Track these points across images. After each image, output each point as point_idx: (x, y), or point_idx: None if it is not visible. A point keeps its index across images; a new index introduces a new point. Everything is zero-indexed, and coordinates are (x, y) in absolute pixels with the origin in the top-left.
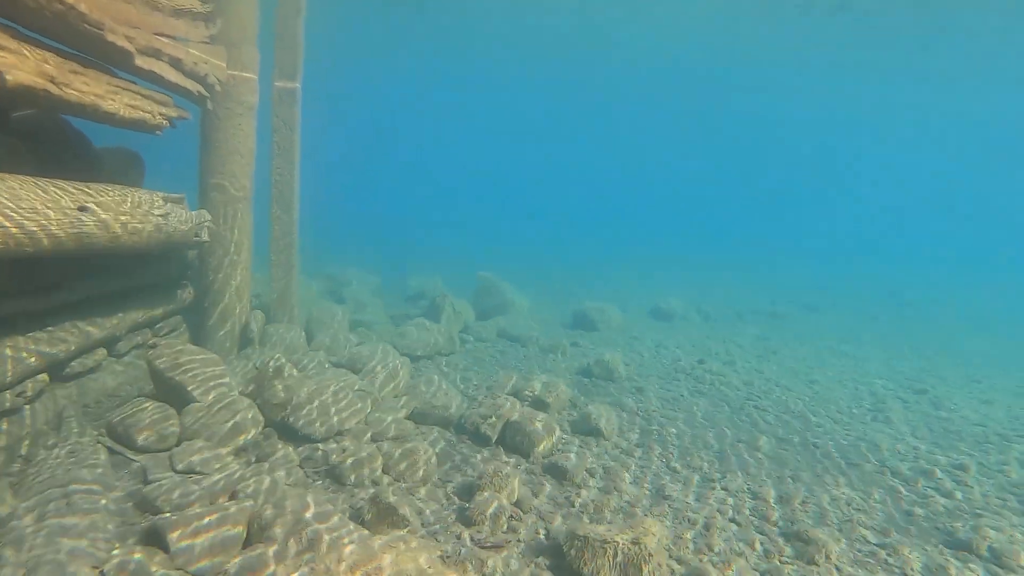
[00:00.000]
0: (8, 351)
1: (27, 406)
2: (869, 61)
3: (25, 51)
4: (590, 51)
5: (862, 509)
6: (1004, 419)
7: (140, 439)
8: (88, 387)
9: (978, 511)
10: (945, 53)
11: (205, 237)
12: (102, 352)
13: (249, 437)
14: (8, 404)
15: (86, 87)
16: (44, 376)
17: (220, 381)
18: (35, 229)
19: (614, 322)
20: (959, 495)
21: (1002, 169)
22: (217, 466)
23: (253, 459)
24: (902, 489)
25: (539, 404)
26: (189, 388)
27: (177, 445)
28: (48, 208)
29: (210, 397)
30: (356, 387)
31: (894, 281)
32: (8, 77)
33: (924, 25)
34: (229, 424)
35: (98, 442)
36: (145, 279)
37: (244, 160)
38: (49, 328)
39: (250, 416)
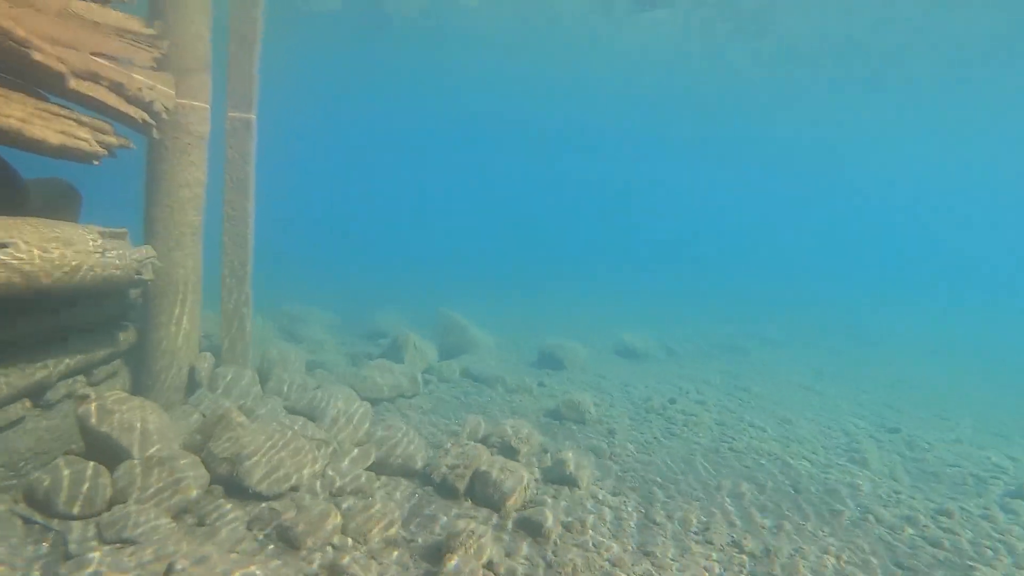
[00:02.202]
0: None
1: None
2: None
3: None
4: (543, 85)
5: (852, 563)
6: (977, 459)
7: (62, 504)
8: (7, 444)
9: (969, 563)
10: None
11: (148, 275)
12: (26, 403)
13: (191, 496)
14: None
15: (7, 110)
16: None
17: (160, 434)
18: None
19: (580, 360)
20: (947, 543)
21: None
22: (152, 534)
23: (194, 522)
24: (889, 538)
25: (508, 451)
26: (123, 443)
27: (108, 509)
28: None
29: (148, 452)
30: (313, 436)
31: (849, 312)
32: None
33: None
34: (167, 483)
35: (11, 511)
36: (79, 320)
37: (193, 192)
38: None
39: (192, 473)
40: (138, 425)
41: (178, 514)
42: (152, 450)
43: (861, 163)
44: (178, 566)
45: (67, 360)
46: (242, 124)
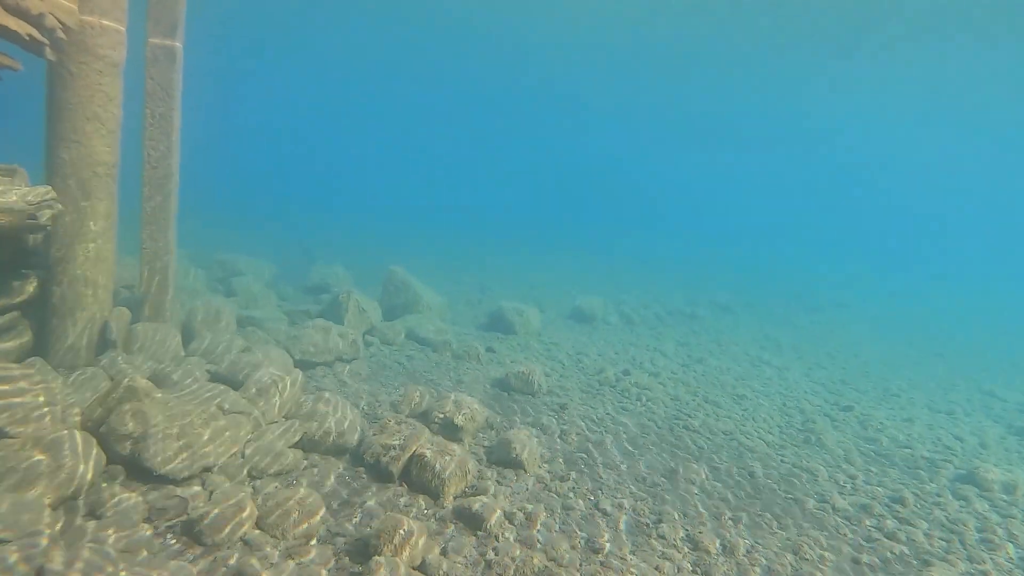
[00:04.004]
0: None
1: None
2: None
3: None
4: (501, 36)
5: (810, 559)
6: (927, 440)
7: None
8: None
9: (925, 557)
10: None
11: (45, 219)
12: None
13: (79, 483)
14: None
15: None
16: None
17: (43, 408)
18: None
19: (533, 325)
20: (903, 536)
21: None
22: (24, 528)
23: (85, 513)
24: (847, 531)
25: (451, 428)
26: None
27: None
28: None
29: (27, 430)
30: (234, 407)
31: (799, 280)
32: None
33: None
34: (46, 467)
35: None
36: None
37: (105, 128)
38: None
39: (82, 452)
40: (15, 396)
41: (63, 503)
42: (32, 427)
43: (821, 133)
44: (48, 572)
45: None
46: (164, 52)
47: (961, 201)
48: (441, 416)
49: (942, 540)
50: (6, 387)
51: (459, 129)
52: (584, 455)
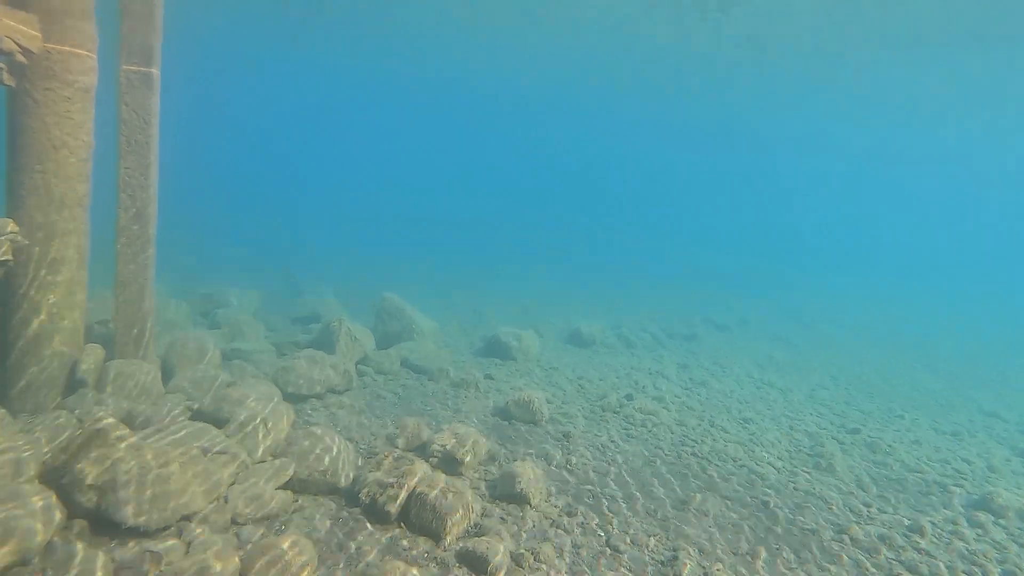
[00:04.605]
0: None
1: None
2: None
3: None
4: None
5: None
6: (936, 462)
7: None
8: None
9: None
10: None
11: (6, 255)
12: None
13: (33, 542)
14: None
15: None
16: None
17: None
18: None
19: (531, 350)
20: (925, 569)
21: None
22: None
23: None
24: (868, 565)
25: (451, 462)
26: None
27: None
28: None
29: None
30: (215, 446)
31: (791, 296)
32: None
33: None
34: None
35: None
36: None
37: (75, 157)
38: None
39: (39, 507)
40: None
41: (21, 563)
42: None
43: (811, 151)
44: None
45: None
46: (140, 79)
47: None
48: (441, 449)
49: (964, 574)
50: None
51: (445, 137)
52: (591, 487)
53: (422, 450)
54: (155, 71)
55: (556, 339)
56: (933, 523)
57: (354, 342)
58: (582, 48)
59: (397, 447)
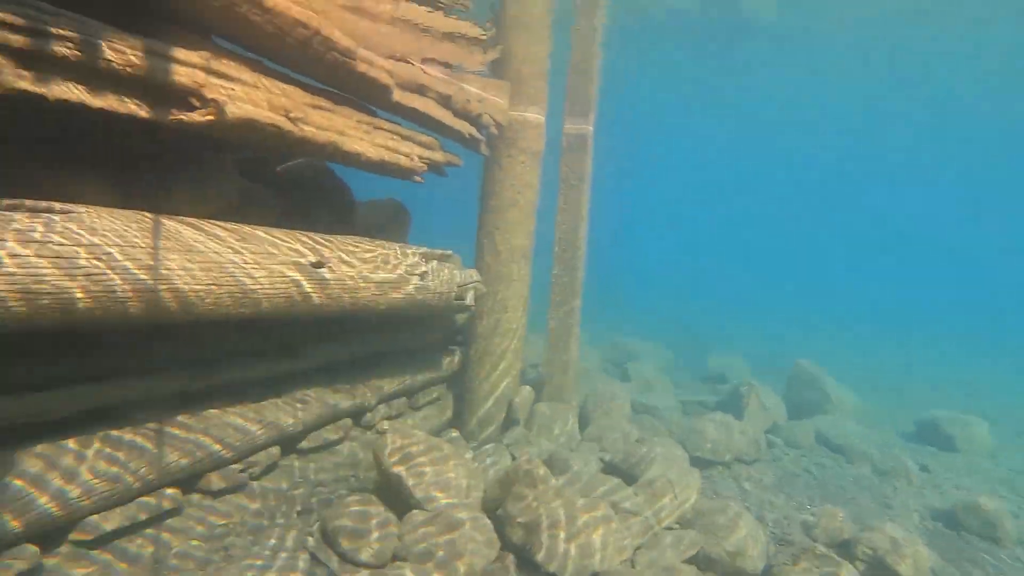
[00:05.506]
0: (236, 419)
1: (254, 482)
2: None
3: (262, 84)
4: None
5: None
6: None
7: (346, 547)
8: (323, 465)
9: None
10: None
11: (469, 300)
12: (347, 423)
13: (471, 567)
14: (220, 484)
15: (326, 123)
16: (275, 450)
17: (452, 484)
18: (253, 287)
19: (980, 442)
20: None
21: None
22: None
23: None
24: None
25: (883, 570)
26: (411, 489)
27: (392, 561)
28: (274, 263)
29: (437, 504)
30: (623, 503)
31: None
32: (230, 109)
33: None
34: (443, 544)
35: (303, 545)
36: (401, 343)
37: (523, 213)
38: (284, 396)
39: (479, 537)
40: (429, 470)
41: None
42: (441, 502)
43: None
44: None
45: (386, 383)
46: (578, 139)
47: None
48: (870, 552)
49: None
50: (429, 458)
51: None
52: None
53: (844, 548)
54: (590, 129)
55: (1017, 431)
56: None
57: (764, 410)
58: None
59: (815, 539)
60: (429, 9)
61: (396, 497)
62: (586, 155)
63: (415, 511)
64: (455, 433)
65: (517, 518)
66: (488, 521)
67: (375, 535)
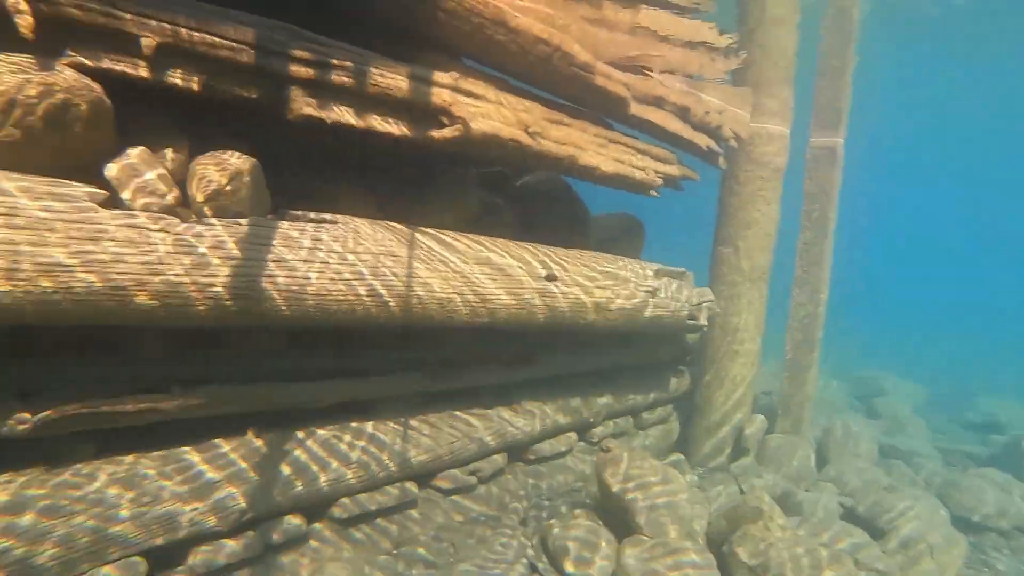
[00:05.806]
0: (471, 423)
1: (481, 487)
2: None
3: (504, 100)
4: None
5: None
6: None
7: (568, 567)
8: (548, 477)
9: None
10: None
11: (702, 320)
12: (572, 437)
13: None
14: (449, 485)
15: (564, 137)
16: (501, 457)
17: (676, 512)
18: (491, 297)
19: None
20: None
21: None
22: None
23: None
24: None
25: None
26: (635, 515)
27: None
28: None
29: (666, 532)
30: (873, 563)
31: None
32: (475, 125)
33: None
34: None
35: (523, 555)
36: (630, 360)
37: (762, 231)
38: (513, 405)
39: (701, 573)
40: (653, 495)
41: None
42: (665, 529)
43: None
44: None
45: (613, 399)
46: (826, 152)
47: None
48: None
49: None
50: (654, 482)
51: None
52: None
53: None
54: (840, 141)
55: None
56: None
57: None
58: None
59: None
60: (671, 13)
61: (617, 518)
62: (834, 169)
63: (637, 535)
64: (679, 456)
65: (745, 559)
66: (711, 556)
67: (598, 564)
